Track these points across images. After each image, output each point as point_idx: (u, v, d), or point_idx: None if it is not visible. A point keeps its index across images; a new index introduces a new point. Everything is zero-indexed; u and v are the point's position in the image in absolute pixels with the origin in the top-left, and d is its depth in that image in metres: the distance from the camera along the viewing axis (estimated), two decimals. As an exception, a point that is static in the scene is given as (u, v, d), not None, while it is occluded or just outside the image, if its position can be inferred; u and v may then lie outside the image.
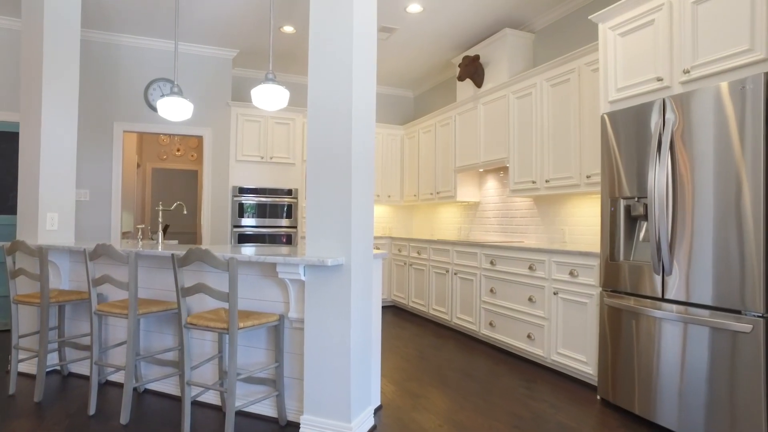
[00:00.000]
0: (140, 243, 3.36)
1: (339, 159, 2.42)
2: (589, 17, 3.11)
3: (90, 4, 4.36)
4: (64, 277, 3.37)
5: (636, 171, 2.69)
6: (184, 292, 2.37)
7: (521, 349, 3.78)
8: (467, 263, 4.50)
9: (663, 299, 2.52)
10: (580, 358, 3.21)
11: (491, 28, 4.80)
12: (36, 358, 3.25)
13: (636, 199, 2.72)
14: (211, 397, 2.82)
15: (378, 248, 6.07)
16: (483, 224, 5.37)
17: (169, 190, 9.61)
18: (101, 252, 2.62)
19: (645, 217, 2.69)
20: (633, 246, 2.78)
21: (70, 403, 2.77)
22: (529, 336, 3.68)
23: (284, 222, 5.79)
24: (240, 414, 2.68)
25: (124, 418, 2.48)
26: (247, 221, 5.62)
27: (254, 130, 5.65)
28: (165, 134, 5.42)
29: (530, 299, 3.67)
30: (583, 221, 3.99)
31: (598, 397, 2.98)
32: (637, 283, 2.67)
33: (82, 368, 3.27)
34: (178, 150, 9.08)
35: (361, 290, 2.48)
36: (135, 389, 2.97)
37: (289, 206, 5.82)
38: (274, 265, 2.62)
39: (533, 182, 4.10)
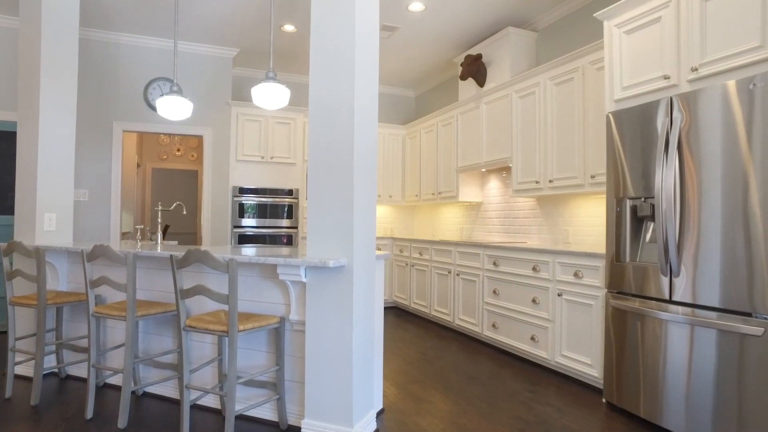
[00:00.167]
0: (139, 244, 3.32)
1: (341, 157, 2.37)
2: (593, 15, 3.07)
3: (89, 2, 4.32)
4: (62, 279, 3.33)
5: (642, 171, 2.64)
6: (183, 293, 2.32)
7: (525, 351, 3.73)
8: (470, 264, 4.46)
9: (670, 301, 2.48)
10: (585, 360, 3.16)
11: (494, 27, 4.75)
12: (33, 361, 3.21)
13: (642, 199, 2.67)
14: (211, 401, 2.78)
15: (379, 249, 6.02)
16: (485, 225, 5.32)
17: (170, 191, 9.58)
18: (99, 253, 2.58)
19: (652, 217, 2.65)
20: (639, 247, 2.74)
21: (68, 406, 2.73)
22: (532, 338, 3.63)
23: (285, 222, 5.75)
24: (240, 418, 2.63)
25: (122, 422, 2.44)
26: (248, 222, 5.58)
27: (255, 130, 5.61)
28: (165, 134, 5.38)
29: (534, 301, 3.63)
30: (587, 222, 3.94)
31: (604, 401, 2.93)
32: (644, 285, 2.62)
33: (80, 371, 3.23)
34: (179, 150, 9.05)
35: (364, 292, 2.44)
36: (134, 392, 2.93)
37: (290, 206, 5.78)
38: (274, 266, 2.57)
39: (536, 182, 4.06)
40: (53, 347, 3.23)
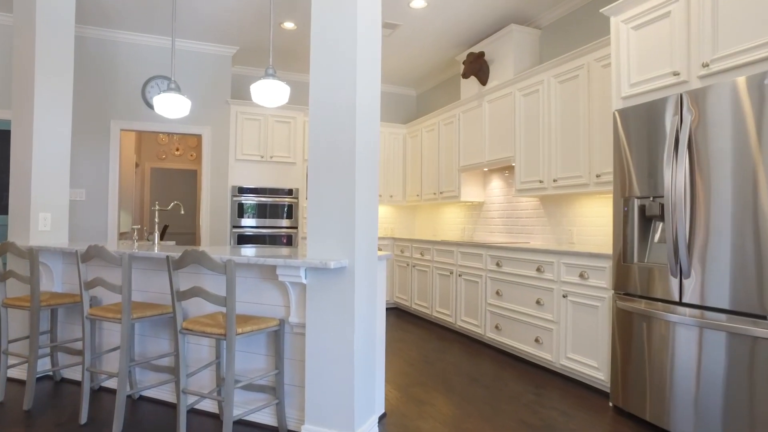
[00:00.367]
0: (135, 244, 3.26)
1: (342, 156, 2.31)
2: (600, 11, 3.00)
3: (85, -1, 4.26)
4: (57, 280, 3.26)
5: (651, 169, 2.58)
6: (180, 295, 2.26)
7: (529, 353, 3.67)
8: (472, 264, 4.39)
9: (680, 303, 2.41)
10: (591, 363, 3.10)
11: (496, 24, 4.69)
12: (26, 364, 3.14)
13: (651, 198, 2.61)
14: (209, 405, 2.71)
15: (380, 249, 5.96)
16: (487, 225, 5.26)
17: (169, 190, 9.51)
18: (94, 253, 2.51)
19: (661, 217, 2.58)
20: (647, 247, 2.67)
21: (61, 410, 2.66)
22: (537, 340, 3.57)
23: (285, 222, 5.68)
24: (239, 423, 2.57)
25: (116, 427, 2.37)
26: (247, 222, 5.51)
27: (254, 129, 5.54)
28: (163, 133, 5.31)
29: (538, 302, 3.56)
30: (592, 222, 3.88)
31: (611, 404, 2.87)
32: (652, 286, 2.56)
33: (75, 374, 3.16)
34: (178, 149, 8.98)
35: (365, 293, 2.37)
36: (130, 396, 2.86)
37: (290, 206, 5.71)
38: (274, 267, 2.51)
39: (540, 182, 3.99)
40: (48, 350, 3.15)
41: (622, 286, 2.75)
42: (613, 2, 3.10)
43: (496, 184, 5.13)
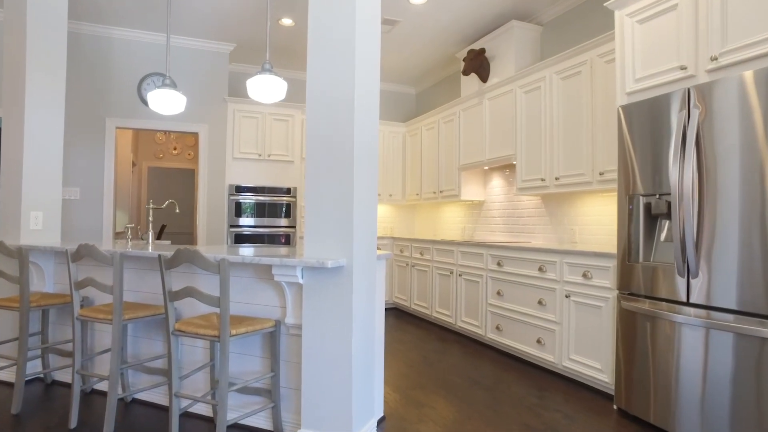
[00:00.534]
0: (129, 243, 3.19)
1: (340, 151, 2.24)
2: (604, 4, 2.94)
3: (79, -6, 4.19)
4: (48, 280, 3.19)
5: (657, 166, 2.51)
6: (172, 296, 2.19)
7: (530, 354, 3.60)
8: (473, 264, 4.32)
9: (688, 303, 2.34)
10: (595, 365, 3.03)
11: (497, 21, 4.62)
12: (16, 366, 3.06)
13: (657, 196, 2.54)
14: (203, 408, 2.64)
15: (380, 249, 5.88)
16: (488, 224, 5.19)
17: (166, 190, 9.43)
18: (84, 253, 2.44)
19: (667, 215, 2.51)
20: (653, 246, 2.60)
21: (51, 414, 2.59)
22: (539, 341, 3.50)
23: (283, 222, 5.61)
24: (233, 427, 2.50)
25: (107, 430, 2.30)
26: (245, 221, 5.44)
27: (252, 127, 5.47)
28: (159, 131, 5.24)
29: (540, 302, 3.49)
30: (595, 220, 3.81)
31: (615, 407, 2.80)
32: (659, 286, 2.49)
33: (67, 376, 3.09)
34: (175, 148, 8.91)
35: (364, 294, 2.30)
36: (122, 399, 2.79)
37: (288, 205, 5.64)
38: (269, 267, 2.44)
39: (542, 180, 3.93)
40: (38, 351, 3.08)
41: (626, 286, 2.69)
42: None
43: (497, 182, 5.06)
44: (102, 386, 2.94)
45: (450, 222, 5.94)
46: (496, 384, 3.22)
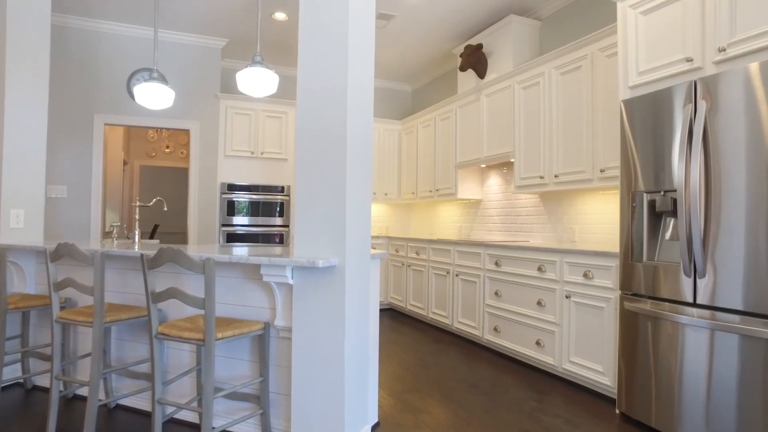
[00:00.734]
0: (115, 242, 3.07)
1: (332, 145, 2.13)
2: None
3: (65, -15, 4.06)
4: (30, 281, 3.06)
5: (661, 162, 2.42)
6: (155, 297, 2.08)
7: (529, 356, 3.50)
8: (470, 264, 4.23)
9: (695, 304, 2.25)
10: (596, 367, 2.94)
11: (495, 15, 4.53)
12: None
13: (662, 193, 2.45)
14: (190, 414, 2.53)
15: (374, 248, 5.78)
16: (485, 223, 5.10)
17: (159, 189, 9.28)
18: (63, 252, 2.32)
19: (672, 213, 2.42)
20: (657, 245, 2.51)
21: (29, 420, 2.47)
22: (538, 342, 3.41)
23: (277, 221, 5.50)
24: (221, 433, 2.39)
25: (87, 439, 2.19)
26: (238, 220, 5.33)
27: (244, 124, 5.36)
28: (150, 127, 5.12)
29: (539, 303, 3.40)
30: (595, 219, 3.72)
31: (617, 411, 2.71)
32: (663, 286, 2.40)
33: (48, 381, 2.97)
34: (167, 147, 8.77)
35: (357, 294, 2.20)
36: (105, 405, 2.67)
37: (281, 204, 5.53)
38: (258, 266, 2.33)
39: (541, 177, 3.83)
40: (18, 356, 2.96)
41: (629, 286, 2.60)
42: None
43: (494, 180, 4.97)
44: (85, 391, 2.82)
45: (446, 221, 5.84)
46: (494, 387, 3.12)
